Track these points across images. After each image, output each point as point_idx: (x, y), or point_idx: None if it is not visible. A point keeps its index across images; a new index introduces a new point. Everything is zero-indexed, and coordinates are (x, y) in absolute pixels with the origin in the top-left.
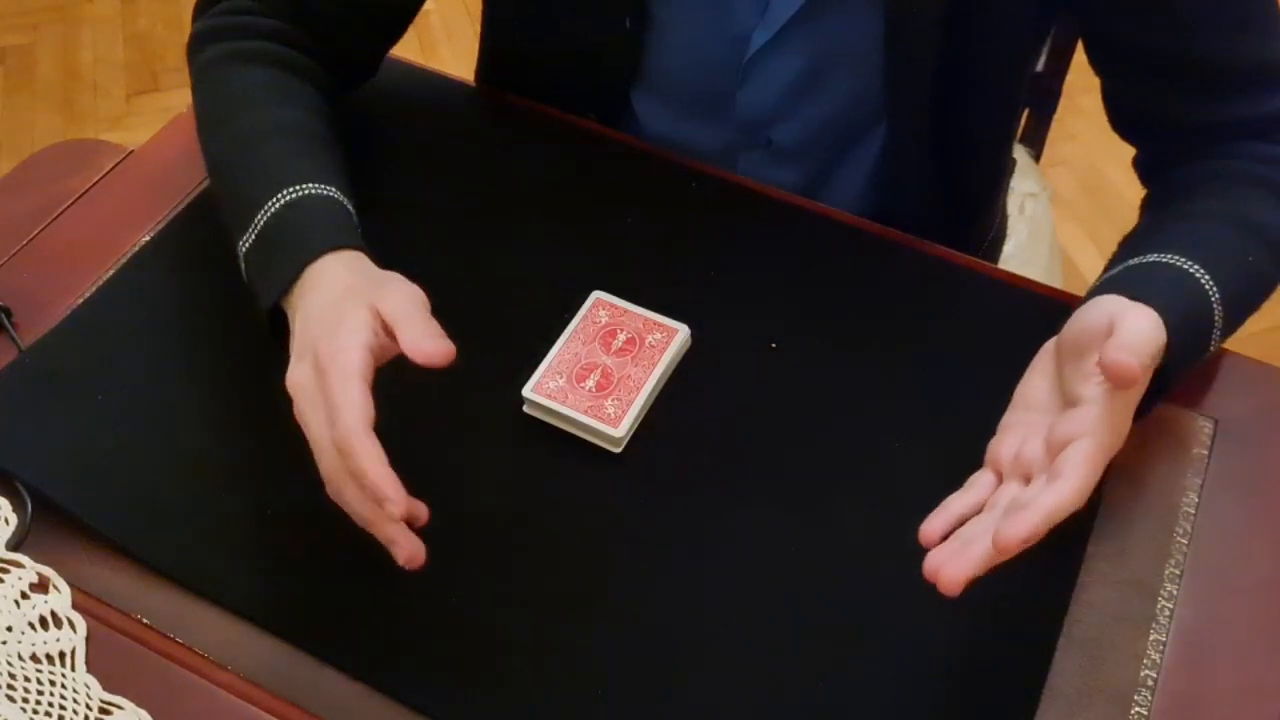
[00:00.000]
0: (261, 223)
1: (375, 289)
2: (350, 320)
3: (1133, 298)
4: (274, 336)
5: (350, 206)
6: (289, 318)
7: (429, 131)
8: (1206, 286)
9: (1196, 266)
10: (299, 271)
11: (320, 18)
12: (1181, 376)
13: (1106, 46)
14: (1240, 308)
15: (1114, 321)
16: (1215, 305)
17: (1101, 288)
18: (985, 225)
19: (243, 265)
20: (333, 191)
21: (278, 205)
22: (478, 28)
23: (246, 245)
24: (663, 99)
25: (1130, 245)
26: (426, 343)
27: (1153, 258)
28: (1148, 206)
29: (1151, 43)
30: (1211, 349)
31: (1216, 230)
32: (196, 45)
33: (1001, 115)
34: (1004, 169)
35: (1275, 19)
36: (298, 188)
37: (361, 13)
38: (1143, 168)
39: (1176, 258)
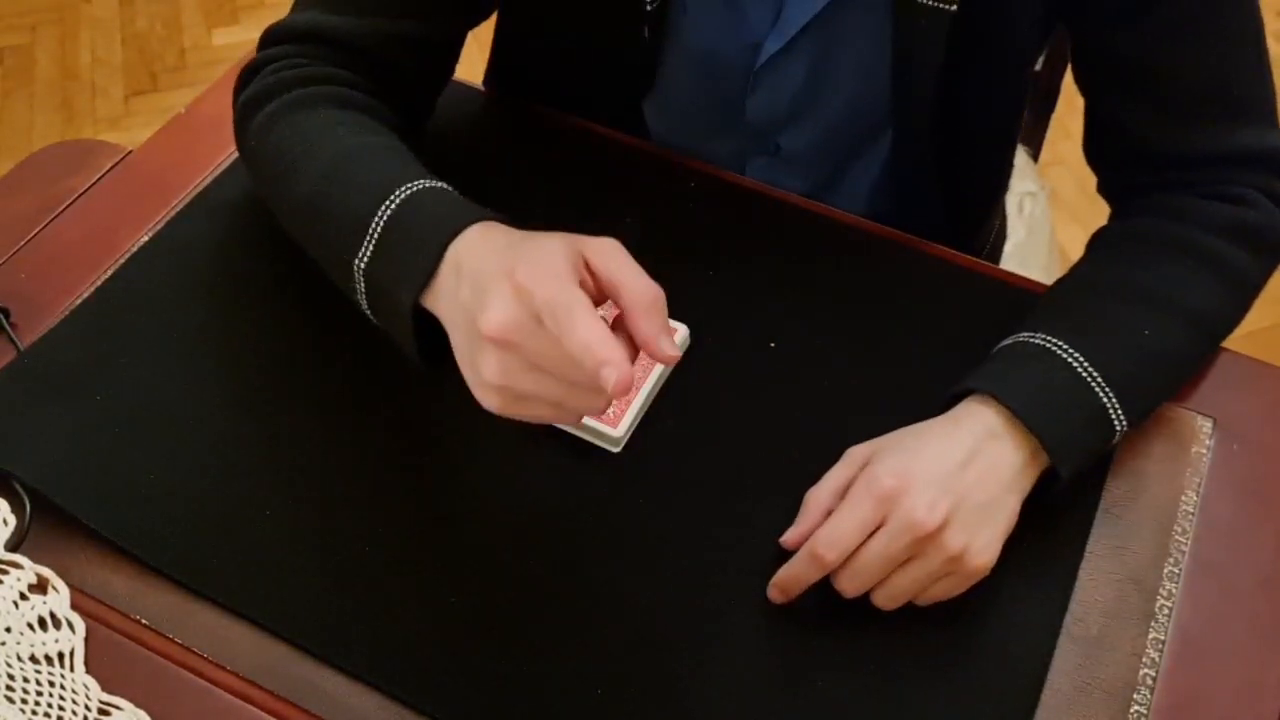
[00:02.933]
0: (380, 226)
1: (570, 237)
2: (557, 256)
3: (995, 394)
4: (423, 359)
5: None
6: (439, 308)
7: (430, 133)
8: (1085, 375)
9: (1077, 355)
10: (446, 241)
11: (374, 64)
12: (1080, 456)
13: (1088, 54)
14: (1143, 385)
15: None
16: (1099, 389)
17: (971, 377)
18: (988, 227)
19: (361, 285)
20: (445, 185)
21: (393, 206)
22: (480, 34)
23: (365, 259)
24: (673, 107)
25: (1043, 303)
26: (669, 346)
27: (1038, 340)
28: (1089, 247)
29: (1128, 53)
30: (1118, 426)
31: (1119, 310)
32: (252, 107)
33: (1005, 118)
34: (1007, 172)
35: (1252, 55)
36: (410, 185)
37: (411, 54)
38: (1106, 194)
39: (1059, 344)
